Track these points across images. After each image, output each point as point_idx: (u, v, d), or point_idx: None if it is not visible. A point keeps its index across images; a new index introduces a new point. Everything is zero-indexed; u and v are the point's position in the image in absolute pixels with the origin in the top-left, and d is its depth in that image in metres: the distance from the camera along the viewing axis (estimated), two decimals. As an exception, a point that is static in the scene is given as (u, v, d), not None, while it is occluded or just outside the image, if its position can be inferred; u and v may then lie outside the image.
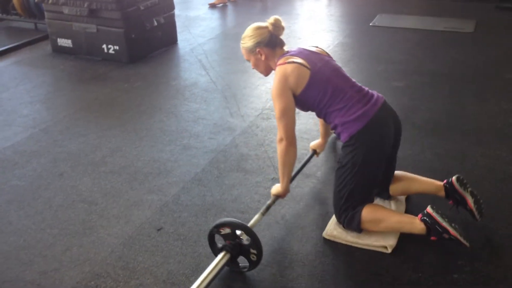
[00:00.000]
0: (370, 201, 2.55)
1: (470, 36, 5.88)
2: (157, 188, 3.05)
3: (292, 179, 2.71)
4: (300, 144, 3.48)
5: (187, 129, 3.78)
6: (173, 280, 2.34)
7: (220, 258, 2.26)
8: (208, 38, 6.03)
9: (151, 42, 5.45)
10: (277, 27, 2.49)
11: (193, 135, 3.69)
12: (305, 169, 3.16)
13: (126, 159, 3.39)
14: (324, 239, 2.57)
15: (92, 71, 5.05)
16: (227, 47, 5.79)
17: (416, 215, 2.40)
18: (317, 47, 2.63)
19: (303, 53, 2.50)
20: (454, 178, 2.56)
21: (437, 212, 2.33)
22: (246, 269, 2.35)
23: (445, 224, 2.30)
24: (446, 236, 2.31)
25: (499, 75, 4.67)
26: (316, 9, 7.47)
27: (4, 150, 3.54)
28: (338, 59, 4.73)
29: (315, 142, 3.12)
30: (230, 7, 7.64)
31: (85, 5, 5.08)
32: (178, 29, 5.97)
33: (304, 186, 3.02)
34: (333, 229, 2.58)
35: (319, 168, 3.19)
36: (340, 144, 2.59)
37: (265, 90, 4.46)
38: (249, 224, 2.37)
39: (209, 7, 7.56)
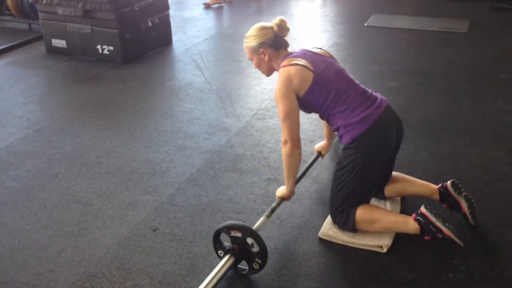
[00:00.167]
0: (366, 202, 2.55)
1: (465, 36, 5.90)
2: (152, 189, 3.04)
3: (297, 181, 2.67)
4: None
5: (182, 130, 3.77)
6: (169, 280, 2.33)
7: (225, 261, 2.24)
8: (203, 39, 6.02)
9: (145, 43, 5.44)
10: (282, 28, 2.47)
11: (188, 135, 3.69)
12: (300, 169, 3.16)
13: (121, 159, 3.38)
14: (320, 239, 2.57)
15: (86, 71, 5.04)
16: (222, 48, 5.79)
17: (411, 215, 2.40)
18: (320, 48, 2.61)
19: (306, 54, 2.48)
20: (449, 182, 2.57)
21: (430, 212, 2.34)
22: (243, 272, 2.34)
23: (438, 223, 2.31)
24: (440, 235, 2.32)
25: (494, 75, 4.69)
26: (310, 9, 7.48)
27: (-2, 151, 3.53)
28: (333, 59, 4.73)
29: (319, 144, 3.07)
30: (225, 7, 7.64)
31: (79, 5, 5.06)
32: (173, 30, 5.96)
33: (299, 186, 3.01)
34: (328, 229, 2.59)
35: (315, 168, 3.18)
36: (339, 145, 2.58)
37: (260, 90, 4.46)
38: (254, 227, 2.35)
39: (204, 7, 7.56)
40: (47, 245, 2.59)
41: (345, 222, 2.50)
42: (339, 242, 2.53)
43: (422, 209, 2.36)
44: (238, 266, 2.34)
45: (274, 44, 2.48)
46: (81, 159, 3.39)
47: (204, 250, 2.51)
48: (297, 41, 5.63)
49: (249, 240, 2.27)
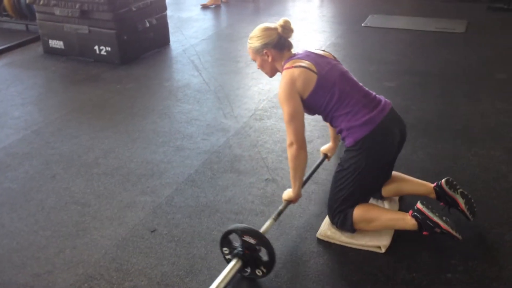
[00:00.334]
0: (364, 202, 2.55)
1: (462, 36, 5.91)
2: (150, 190, 3.04)
3: (303, 184, 2.64)
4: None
5: (180, 130, 3.77)
6: (167, 281, 2.33)
7: (233, 265, 2.22)
8: (201, 39, 6.02)
9: (143, 43, 5.44)
10: (287, 29, 2.45)
11: (186, 136, 3.68)
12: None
13: (119, 160, 3.37)
14: (318, 239, 2.57)
15: (84, 72, 5.03)
16: (220, 48, 5.79)
17: (409, 211, 2.41)
18: (324, 50, 2.60)
19: (310, 56, 2.47)
20: (443, 181, 2.58)
21: (427, 207, 2.34)
22: (245, 274, 2.32)
23: (436, 218, 2.31)
24: (438, 230, 2.32)
25: (491, 75, 4.70)
26: (308, 10, 7.48)
27: (-4, 152, 3.52)
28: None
29: (325, 146, 3.02)
30: (222, 8, 7.64)
31: (77, 6, 5.06)
32: (171, 30, 5.96)
33: (297, 187, 3.02)
34: (327, 229, 2.59)
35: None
36: (342, 146, 2.58)
37: (257, 91, 4.46)
38: (262, 230, 2.32)
39: (202, 8, 7.56)
40: (45, 246, 2.58)
41: (343, 222, 2.50)
42: (338, 242, 2.53)
43: (419, 205, 2.37)
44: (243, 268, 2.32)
45: (278, 45, 2.46)
46: (79, 160, 3.39)
47: (202, 251, 2.51)
48: (294, 42, 5.59)
49: (264, 255, 2.24)
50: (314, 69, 2.39)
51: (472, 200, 2.56)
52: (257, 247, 2.24)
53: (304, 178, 2.65)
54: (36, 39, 5.84)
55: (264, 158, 3.35)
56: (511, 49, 5.46)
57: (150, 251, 2.53)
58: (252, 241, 2.22)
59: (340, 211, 2.50)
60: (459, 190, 2.55)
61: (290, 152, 2.41)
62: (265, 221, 2.71)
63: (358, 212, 2.46)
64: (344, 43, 5.82)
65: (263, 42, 2.44)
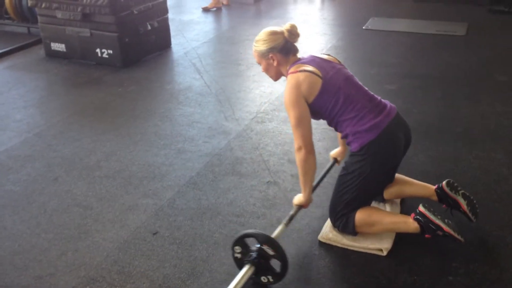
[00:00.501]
0: (366, 205, 2.56)
1: (463, 39, 5.92)
2: (152, 192, 3.05)
3: (313, 188, 2.62)
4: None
5: (181, 133, 3.78)
6: (169, 284, 2.33)
7: (246, 271, 2.20)
8: (202, 42, 6.03)
9: (145, 46, 5.45)
10: (293, 34, 2.44)
11: (188, 139, 3.69)
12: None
13: (121, 163, 3.38)
14: (320, 242, 2.57)
15: (86, 75, 5.04)
16: (221, 51, 5.80)
17: (411, 215, 2.41)
18: (328, 55, 2.60)
19: (314, 61, 2.46)
20: (444, 183, 2.58)
21: (429, 210, 2.35)
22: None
23: (438, 221, 2.32)
24: (440, 233, 2.33)
25: (492, 78, 4.71)
26: (309, 12, 7.49)
27: (-2, 155, 3.53)
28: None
29: (335, 151, 3.01)
30: (223, 11, 7.66)
31: (79, 9, 5.07)
32: (172, 33, 5.97)
33: (299, 190, 2.99)
34: (328, 232, 2.59)
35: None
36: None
37: (259, 93, 4.47)
38: (273, 235, 2.30)
39: (203, 11, 7.57)
40: (48, 248, 2.59)
41: (345, 225, 2.51)
42: (339, 245, 2.54)
43: (421, 208, 2.37)
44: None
45: (284, 50, 2.45)
46: (81, 163, 3.40)
47: (204, 253, 2.52)
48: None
49: (277, 266, 2.24)
50: (319, 73, 2.39)
51: (474, 201, 2.56)
52: (273, 258, 2.23)
53: (314, 183, 2.64)
54: (38, 42, 5.85)
55: (266, 160, 3.36)
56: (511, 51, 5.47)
57: (152, 253, 2.53)
58: (271, 252, 2.21)
59: (342, 215, 2.50)
60: (460, 192, 2.56)
61: (298, 157, 2.40)
62: (266, 223, 2.72)
63: (360, 215, 2.47)
64: (345, 46, 5.84)
65: (269, 46, 2.44)
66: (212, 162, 3.36)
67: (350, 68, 2.62)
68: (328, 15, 7.34)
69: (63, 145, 3.63)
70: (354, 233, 2.51)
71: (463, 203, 2.53)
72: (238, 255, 2.31)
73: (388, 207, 2.75)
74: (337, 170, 2.88)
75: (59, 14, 5.21)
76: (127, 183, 3.15)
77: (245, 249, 2.29)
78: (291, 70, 2.43)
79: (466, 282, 2.29)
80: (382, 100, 2.50)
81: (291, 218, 2.47)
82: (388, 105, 2.48)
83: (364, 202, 2.51)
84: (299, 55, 2.53)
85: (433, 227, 2.33)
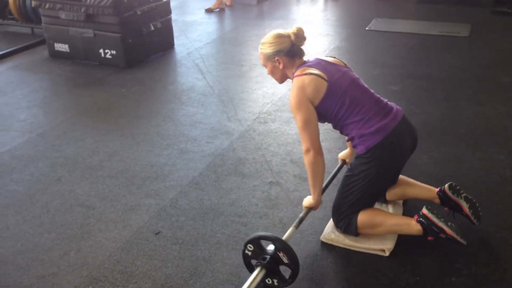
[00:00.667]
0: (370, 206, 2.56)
1: (466, 40, 5.91)
2: (155, 192, 3.05)
3: (323, 190, 2.59)
4: (298, 148, 3.50)
5: (184, 133, 3.78)
6: (171, 284, 2.34)
7: (257, 273, 2.19)
8: (205, 43, 6.04)
9: (148, 47, 5.46)
10: (299, 38, 2.43)
11: (191, 139, 3.70)
12: (303, 172, 3.18)
13: (124, 163, 3.39)
14: (322, 242, 2.57)
15: (89, 75, 5.05)
16: (224, 52, 5.81)
17: (414, 217, 2.41)
18: (334, 57, 2.59)
19: (320, 64, 2.46)
20: (446, 186, 2.57)
21: (432, 213, 2.34)
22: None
23: (441, 224, 2.31)
24: (442, 236, 2.32)
25: (495, 79, 4.70)
26: (312, 13, 7.50)
27: (2, 155, 3.53)
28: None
29: (343, 152, 3.00)
30: (226, 11, 7.66)
31: (82, 10, 5.08)
32: (175, 34, 5.98)
33: (302, 190, 3.02)
34: (330, 232, 2.59)
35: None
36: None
37: (262, 94, 4.47)
38: (284, 237, 2.30)
39: (206, 11, 7.58)
40: (50, 248, 2.60)
41: (348, 226, 2.51)
42: (341, 245, 2.54)
43: (424, 210, 2.37)
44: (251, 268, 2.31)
45: (290, 53, 2.44)
46: (84, 163, 3.40)
47: (206, 253, 2.52)
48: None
49: (287, 274, 2.24)
50: (325, 76, 2.38)
51: (477, 204, 2.55)
52: (284, 264, 2.22)
53: (323, 185, 2.61)
54: (42, 42, 5.87)
55: (268, 161, 3.36)
56: (515, 53, 5.46)
57: (154, 253, 2.54)
58: (285, 260, 2.21)
59: (346, 216, 2.50)
60: (462, 195, 2.55)
61: (307, 159, 2.39)
62: (268, 223, 2.72)
63: (363, 217, 2.47)
64: (348, 47, 5.83)
65: (275, 49, 2.43)
66: (215, 163, 3.36)
67: (353, 69, 2.62)
68: (331, 16, 7.34)
69: (66, 145, 3.64)
70: (356, 234, 2.51)
71: (465, 206, 2.53)
72: (249, 253, 2.29)
73: (390, 208, 2.75)
74: (342, 171, 2.89)
75: (62, 15, 5.22)
76: (129, 183, 3.15)
77: (259, 249, 2.27)
78: (297, 73, 2.43)
79: (469, 283, 2.28)
80: (388, 102, 2.50)
81: (301, 221, 2.47)
82: (395, 108, 2.47)
83: (368, 203, 2.51)
84: (304, 58, 2.53)
85: (436, 230, 2.32)
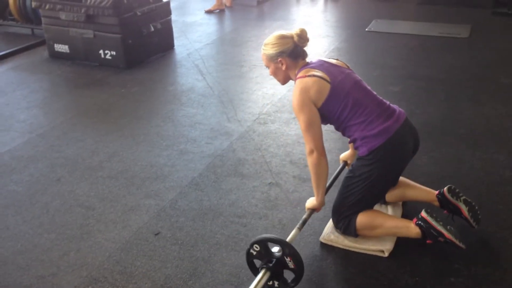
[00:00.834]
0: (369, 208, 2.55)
1: (466, 41, 5.91)
2: (154, 193, 3.05)
3: (325, 192, 2.58)
4: (297, 149, 3.51)
5: (184, 134, 3.78)
6: (171, 284, 2.34)
7: (261, 276, 2.18)
8: (205, 44, 6.04)
9: (148, 48, 5.47)
10: (302, 39, 2.43)
11: (190, 140, 3.70)
12: (302, 173, 3.18)
13: (124, 164, 3.39)
14: (321, 243, 2.57)
15: (89, 76, 5.06)
16: (224, 53, 5.81)
17: (413, 220, 2.41)
18: (337, 59, 2.59)
19: (323, 65, 2.46)
20: (445, 189, 2.57)
21: (431, 216, 2.34)
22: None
23: (439, 227, 2.31)
24: (441, 239, 2.32)
25: (495, 80, 4.70)
26: (312, 14, 7.49)
27: (1, 155, 3.53)
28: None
29: (345, 154, 2.98)
30: (226, 12, 7.66)
31: (82, 10, 5.09)
32: (175, 35, 5.98)
33: (301, 191, 3.02)
34: (330, 233, 2.59)
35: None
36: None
37: (261, 95, 4.47)
38: (288, 239, 2.29)
39: (206, 12, 7.58)
40: (50, 248, 2.60)
41: (347, 227, 2.51)
42: (341, 246, 2.54)
43: (423, 213, 2.37)
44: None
45: (293, 54, 2.44)
46: (84, 163, 3.40)
47: (206, 254, 2.52)
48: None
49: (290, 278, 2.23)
50: (328, 78, 2.38)
51: (476, 207, 2.55)
52: (288, 269, 2.22)
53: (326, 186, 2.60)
54: (42, 43, 5.87)
55: (268, 162, 3.36)
56: (515, 54, 5.46)
57: (153, 254, 2.54)
58: (291, 265, 2.20)
59: (345, 216, 2.50)
60: (462, 198, 2.55)
61: (311, 160, 2.39)
62: (268, 224, 2.72)
63: (362, 218, 2.46)
64: (348, 48, 5.83)
65: (278, 50, 2.42)
66: (214, 163, 3.36)
67: (353, 70, 2.62)
68: (331, 17, 7.34)
69: (66, 146, 3.64)
70: (355, 235, 2.51)
71: (464, 209, 2.53)
72: (254, 252, 2.27)
73: (390, 210, 2.75)
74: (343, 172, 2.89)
75: (62, 16, 5.22)
76: (129, 184, 3.15)
77: (264, 251, 2.25)
78: (300, 74, 2.42)
79: (468, 284, 2.28)
80: (391, 105, 2.49)
81: (304, 222, 2.46)
82: (397, 110, 2.47)
83: (368, 205, 2.51)
84: (308, 60, 2.52)
85: (434, 233, 2.32)
